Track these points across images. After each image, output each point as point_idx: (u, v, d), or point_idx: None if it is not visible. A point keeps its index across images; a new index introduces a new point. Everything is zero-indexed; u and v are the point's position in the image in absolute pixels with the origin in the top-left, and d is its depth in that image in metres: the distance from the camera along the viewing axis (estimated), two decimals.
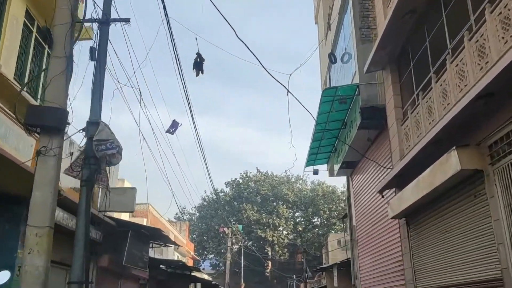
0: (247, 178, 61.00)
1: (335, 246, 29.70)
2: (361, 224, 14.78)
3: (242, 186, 60.23)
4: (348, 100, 12.11)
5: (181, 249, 34.85)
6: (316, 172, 17.67)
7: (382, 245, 12.00)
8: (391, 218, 9.45)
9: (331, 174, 17.45)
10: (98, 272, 11.81)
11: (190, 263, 40.67)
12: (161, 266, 19.48)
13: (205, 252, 64.15)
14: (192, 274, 21.22)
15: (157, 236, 14.52)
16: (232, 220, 57.23)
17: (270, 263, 64.27)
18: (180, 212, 58.77)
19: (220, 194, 60.05)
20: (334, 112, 12.90)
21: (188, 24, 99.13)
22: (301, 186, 61.87)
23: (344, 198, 59.92)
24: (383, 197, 9.84)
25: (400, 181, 8.95)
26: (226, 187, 61.74)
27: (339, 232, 33.23)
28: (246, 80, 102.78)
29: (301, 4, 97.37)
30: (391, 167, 10.01)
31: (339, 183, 78.85)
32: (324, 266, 22.50)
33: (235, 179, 61.69)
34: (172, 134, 13.08)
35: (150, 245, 16.43)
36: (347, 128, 13.52)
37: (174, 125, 12.97)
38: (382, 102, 11.07)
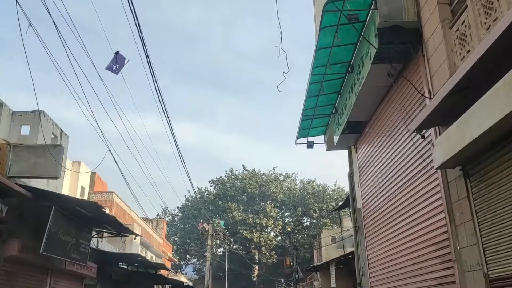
0: (232, 176, 57.39)
1: (329, 244, 26.28)
2: (371, 205, 11.43)
3: (227, 184, 56.59)
4: (358, 24, 8.77)
5: (156, 249, 31.22)
6: (310, 145, 14.28)
7: (405, 225, 8.64)
8: (438, 168, 6.04)
9: (330, 146, 14.05)
10: (1, 263, 8.20)
11: (167, 265, 36.91)
12: (120, 264, 15.86)
13: (188, 256, 60.21)
14: (159, 273, 17.56)
15: (102, 219, 10.93)
16: (216, 221, 53.47)
17: (257, 267, 60.62)
18: (148, 213, 54.95)
19: (204, 193, 56.32)
20: (338, 46, 9.52)
21: (178, 30, 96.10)
22: (289, 185, 58.47)
23: (335, 197, 56.68)
24: (423, 137, 6.41)
25: (448, 115, 5.62)
26: (211, 186, 58.10)
27: (334, 227, 29.74)
28: (236, 86, 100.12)
29: (289, 8, 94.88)
30: (431, 96, 6.66)
31: (330, 181, 75.19)
32: (318, 264, 19.06)
33: (220, 177, 58.07)
34: (117, 73, 9.61)
35: (100, 234, 12.84)
36: (354, 72, 10.17)
37: (119, 61, 9.47)
38: (410, 18, 7.75)
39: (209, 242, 29.57)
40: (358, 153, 12.63)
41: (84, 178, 18.61)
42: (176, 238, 58.67)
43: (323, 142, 14.56)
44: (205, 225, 30.24)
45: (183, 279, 34.75)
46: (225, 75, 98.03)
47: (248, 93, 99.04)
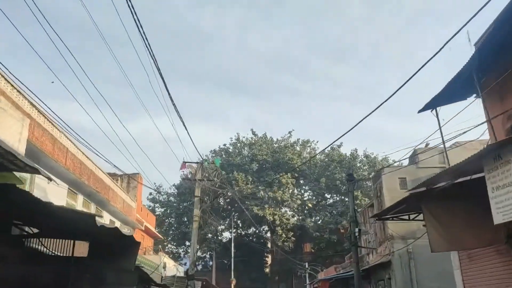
0: (239, 144, 46.96)
1: (396, 189, 15.99)
2: None
3: (233, 154, 46.26)
4: None
5: (123, 212, 21.15)
6: None
7: None
8: None
9: None
10: None
11: (146, 242, 26.79)
12: None
13: (187, 243, 50.07)
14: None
15: None
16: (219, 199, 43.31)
17: (270, 256, 50.49)
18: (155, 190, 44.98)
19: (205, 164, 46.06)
20: None
21: (192, 30, 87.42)
22: (309, 155, 47.83)
23: (366, 166, 46.09)
24: None
25: None
26: (212, 156, 47.71)
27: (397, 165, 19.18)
28: (249, 88, 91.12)
29: (296, 11, 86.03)
30: None
31: (360, 149, 62.47)
32: (418, 189, 8.61)
33: (225, 145, 47.68)
34: None
35: None
36: None
37: None
38: None
39: (197, 191, 19.42)
40: None
41: None
42: (172, 220, 48.65)
43: None
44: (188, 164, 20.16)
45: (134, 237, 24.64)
46: (237, 77, 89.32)
47: (261, 95, 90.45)
